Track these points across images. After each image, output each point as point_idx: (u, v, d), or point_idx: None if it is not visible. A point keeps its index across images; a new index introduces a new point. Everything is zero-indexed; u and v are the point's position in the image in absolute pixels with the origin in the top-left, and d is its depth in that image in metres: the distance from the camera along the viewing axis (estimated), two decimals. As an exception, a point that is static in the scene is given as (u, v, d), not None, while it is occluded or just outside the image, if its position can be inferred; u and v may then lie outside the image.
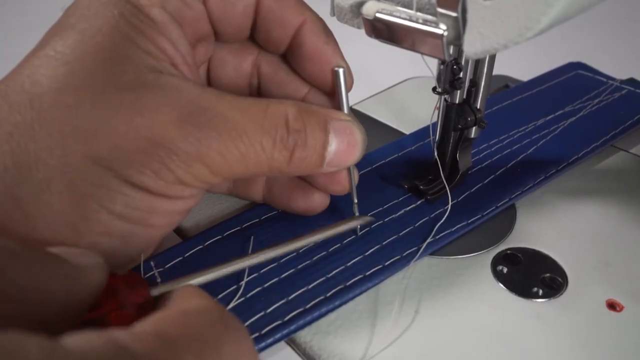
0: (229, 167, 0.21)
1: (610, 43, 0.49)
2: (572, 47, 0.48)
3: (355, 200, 0.26)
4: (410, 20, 0.22)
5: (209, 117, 0.20)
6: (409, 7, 0.22)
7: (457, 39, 0.21)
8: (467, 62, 0.26)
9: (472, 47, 0.20)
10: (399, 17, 0.22)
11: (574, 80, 0.41)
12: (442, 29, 0.21)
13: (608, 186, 0.31)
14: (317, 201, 0.27)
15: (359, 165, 0.32)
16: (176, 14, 0.22)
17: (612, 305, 0.24)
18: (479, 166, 0.32)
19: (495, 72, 0.43)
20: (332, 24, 0.25)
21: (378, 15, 0.23)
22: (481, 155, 0.33)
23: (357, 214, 0.26)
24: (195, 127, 0.20)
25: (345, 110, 0.24)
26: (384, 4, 0.23)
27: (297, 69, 0.26)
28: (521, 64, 0.44)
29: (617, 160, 0.33)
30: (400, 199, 0.29)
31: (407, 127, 0.37)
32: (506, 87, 0.42)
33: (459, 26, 0.20)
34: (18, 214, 0.18)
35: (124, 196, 0.19)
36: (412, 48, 0.22)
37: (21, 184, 0.18)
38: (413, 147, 0.34)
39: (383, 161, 0.33)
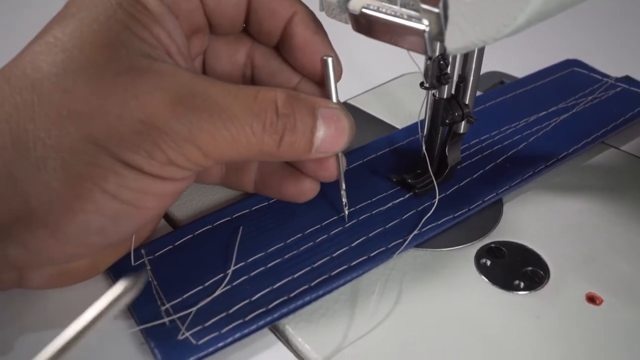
0: (220, 149, 0.21)
1: (608, 40, 0.49)
2: (569, 45, 0.48)
3: (344, 187, 0.27)
4: (395, 16, 0.22)
5: (201, 101, 0.21)
6: (394, 3, 0.22)
7: (439, 35, 0.21)
8: (455, 57, 0.27)
9: (453, 43, 0.21)
10: (384, 12, 0.22)
11: (569, 77, 0.41)
12: (424, 25, 0.21)
13: (597, 183, 0.31)
14: (308, 187, 0.27)
15: (350, 159, 0.32)
16: (172, 5, 0.23)
17: (592, 299, 0.24)
18: (469, 161, 0.32)
19: (491, 68, 0.44)
20: (330, 21, 0.26)
21: (364, 10, 0.23)
22: (472, 151, 0.33)
23: (345, 200, 0.27)
24: (187, 110, 0.20)
25: (334, 99, 0.25)
26: (370, 0, 0.23)
27: (289, 60, 0.27)
28: (518, 61, 0.44)
29: (607, 157, 0.33)
30: (388, 192, 0.30)
31: (400, 122, 0.37)
32: (501, 83, 0.42)
33: (441, 22, 0.21)
34: (13, 191, 0.19)
35: (117, 175, 0.20)
36: (397, 44, 0.23)
37: (18, 162, 0.19)
38: (404, 142, 0.34)
39: (374, 155, 0.33)
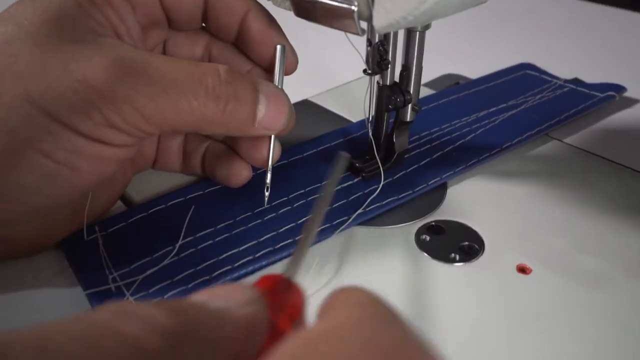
0: (160, 114, 0.22)
1: (564, 46, 0.52)
2: (526, 50, 0.50)
3: (269, 174, 0.28)
4: (330, -1, 0.24)
5: (141, 66, 0.22)
6: (330, -12, 0.24)
7: (369, 16, 0.23)
8: (395, 45, 0.28)
9: (379, 21, 0.22)
10: (321, -3, 0.24)
11: (521, 78, 0.43)
12: (354, 5, 0.23)
13: (538, 170, 0.33)
14: (236, 170, 0.28)
15: (305, 148, 0.34)
16: None
17: (522, 269, 0.25)
18: (418, 150, 0.33)
19: (449, 71, 0.46)
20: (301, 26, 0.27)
21: (303, -4, 0.25)
22: (421, 141, 0.34)
23: (268, 182, 0.28)
24: (126, 73, 0.21)
25: (277, 83, 0.26)
26: (308, -14, 0.25)
27: (248, 53, 0.28)
28: (475, 65, 0.46)
29: (550, 148, 0.35)
30: (338, 177, 0.31)
31: (357, 118, 0.39)
32: (457, 84, 0.44)
33: (368, 2, 0.22)
34: None
35: (52, 135, 0.21)
36: (333, 26, 0.24)
37: None
38: (358, 133, 0.35)
39: (328, 144, 0.34)
